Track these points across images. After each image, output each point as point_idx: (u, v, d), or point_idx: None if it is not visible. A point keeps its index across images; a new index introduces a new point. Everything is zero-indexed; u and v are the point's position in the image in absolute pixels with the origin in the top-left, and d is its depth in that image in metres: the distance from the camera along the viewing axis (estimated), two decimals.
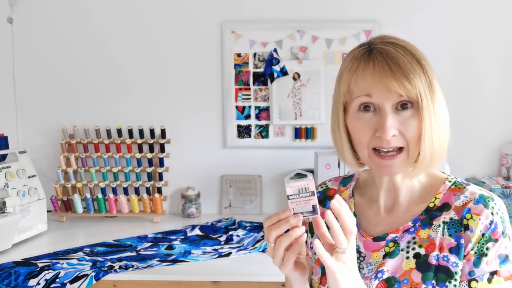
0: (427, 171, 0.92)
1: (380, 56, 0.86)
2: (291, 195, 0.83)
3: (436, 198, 0.92)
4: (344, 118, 0.92)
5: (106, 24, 2.34)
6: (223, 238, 1.96)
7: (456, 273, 0.85)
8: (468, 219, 0.86)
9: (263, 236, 1.94)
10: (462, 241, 0.86)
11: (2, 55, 2.36)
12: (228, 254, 1.76)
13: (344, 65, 0.91)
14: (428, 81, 0.85)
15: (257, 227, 2.09)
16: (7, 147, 2.01)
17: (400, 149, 0.86)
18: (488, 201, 0.86)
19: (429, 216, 0.90)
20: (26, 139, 2.39)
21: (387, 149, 0.86)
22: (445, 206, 0.90)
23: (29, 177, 1.98)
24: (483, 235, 0.84)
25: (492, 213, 0.85)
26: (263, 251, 1.79)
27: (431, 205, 0.91)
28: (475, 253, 0.85)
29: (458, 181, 0.93)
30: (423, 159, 0.86)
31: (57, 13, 2.35)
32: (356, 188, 1.04)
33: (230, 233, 2.00)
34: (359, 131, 0.89)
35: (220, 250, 1.81)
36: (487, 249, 0.84)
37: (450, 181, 0.93)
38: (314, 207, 0.83)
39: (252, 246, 1.85)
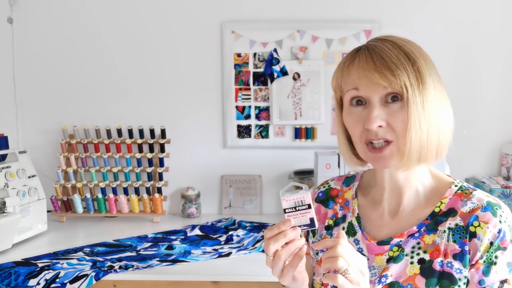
0: (420, 165, 0.90)
1: (366, 51, 0.88)
2: (287, 208, 0.83)
3: (441, 202, 0.91)
4: (341, 116, 0.94)
5: (106, 24, 2.34)
6: (223, 238, 1.96)
7: (459, 279, 0.85)
8: (475, 227, 0.85)
9: (263, 236, 1.94)
10: (467, 247, 0.85)
11: (2, 55, 2.36)
12: (228, 254, 1.76)
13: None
14: (416, 73, 0.85)
15: (257, 227, 2.09)
16: (7, 147, 2.01)
17: (389, 142, 0.87)
18: (496, 209, 0.86)
19: (434, 221, 0.90)
20: (26, 139, 2.39)
21: (377, 141, 0.87)
22: (451, 212, 0.89)
23: (29, 177, 1.98)
24: (491, 243, 0.84)
25: (500, 221, 0.84)
26: (263, 251, 1.79)
27: (437, 209, 0.90)
28: (484, 262, 0.84)
29: (464, 186, 0.92)
30: (410, 150, 0.85)
31: (57, 13, 2.34)
32: (359, 188, 1.03)
33: (230, 233, 2.00)
34: (351, 125, 0.91)
35: (220, 250, 1.81)
36: (496, 257, 0.84)
37: (456, 186, 0.92)
38: (311, 220, 0.82)
39: (252, 246, 1.85)
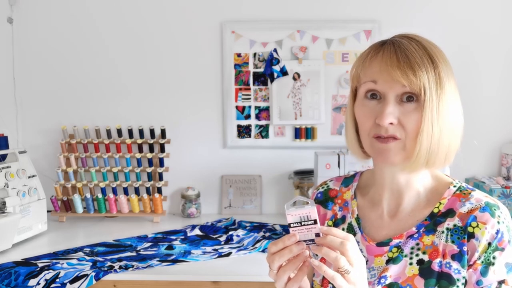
0: (427, 169, 0.91)
1: (392, 46, 0.87)
2: (292, 223, 0.82)
3: (440, 203, 0.91)
4: (353, 106, 0.94)
5: (106, 24, 2.34)
6: (223, 238, 1.96)
7: (458, 280, 0.85)
8: (473, 227, 0.85)
9: (263, 236, 1.94)
10: (465, 248, 0.85)
11: (2, 55, 2.36)
12: (228, 254, 1.76)
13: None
14: (437, 78, 0.85)
15: (257, 227, 2.09)
16: (7, 147, 2.01)
17: (395, 139, 0.86)
18: (494, 209, 0.86)
19: (433, 222, 0.90)
20: (26, 139, 2.39)
21: (386, 137, 0.86)
22: (450, 212, 0.89)
23: (29, 177, 1.98)
24: (489, 244, 0.84)
25: (498, 222, 0.85)
26: (263, 251, 1.79)
27: (436, 210, 0.90)
28: (482, 262, 0.84)
29: (463, 186, 0.92)
30: (419, 152, 0.85)
31: (57, 13, 2.34)
32: (358, 189, 1.03)
33: (230, 233, 2.00)
34: (362, 117, 0.90)
35: (220, 250, 1.81)
36: (493, 258, 0.84)
37: (455, 186, 0.92)
38: (317, 235, 0.81)
39: (252, 246, 1.85)
